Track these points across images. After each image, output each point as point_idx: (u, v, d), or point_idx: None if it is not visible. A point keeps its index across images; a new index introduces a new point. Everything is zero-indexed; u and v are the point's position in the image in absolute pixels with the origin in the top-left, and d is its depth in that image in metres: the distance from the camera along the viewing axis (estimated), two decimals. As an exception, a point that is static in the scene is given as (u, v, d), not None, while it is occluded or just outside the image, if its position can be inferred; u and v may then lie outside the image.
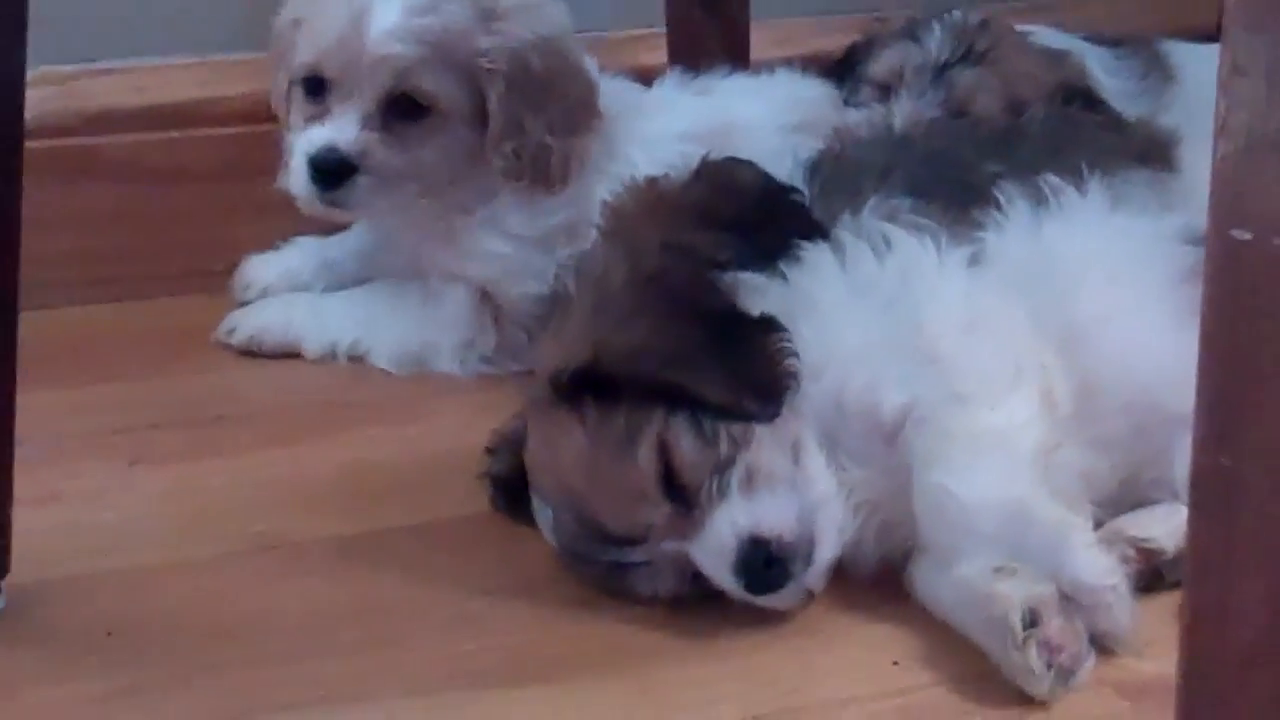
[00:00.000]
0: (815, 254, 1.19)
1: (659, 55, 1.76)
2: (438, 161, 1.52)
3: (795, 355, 1.12)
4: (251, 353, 1.59)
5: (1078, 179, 1.23)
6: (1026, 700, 1.02)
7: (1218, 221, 0.71)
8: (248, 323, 1.60)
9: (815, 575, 1.11)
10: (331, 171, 1.48)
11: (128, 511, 1.29)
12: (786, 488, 1.10)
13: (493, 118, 1.50)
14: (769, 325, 1.13)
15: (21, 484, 1.12)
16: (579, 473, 1.11)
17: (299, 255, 1.68)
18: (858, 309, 1.15)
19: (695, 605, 1.11)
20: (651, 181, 1.27)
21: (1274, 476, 0.71)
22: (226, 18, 1.77)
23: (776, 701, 1.04)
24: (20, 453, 1.10)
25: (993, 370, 1.11)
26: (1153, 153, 1.36)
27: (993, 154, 1.31)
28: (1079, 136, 1.39)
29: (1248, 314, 0.71)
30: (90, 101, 1.72)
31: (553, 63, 1.52)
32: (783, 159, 1.33)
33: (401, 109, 1.49)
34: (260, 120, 1.66)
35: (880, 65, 1.71)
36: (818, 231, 1.21)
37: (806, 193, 1.26)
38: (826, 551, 1.11)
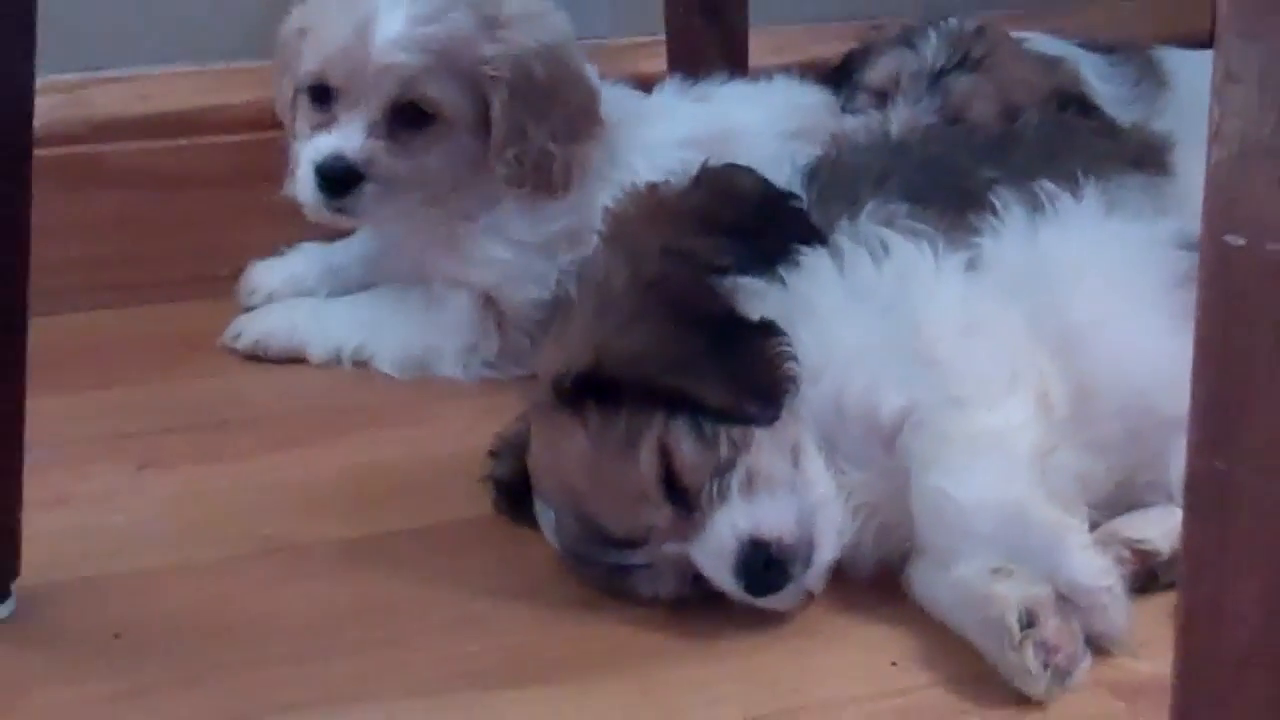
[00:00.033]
0: (814, 259, 1.19)
1: (659, 62, 1.76)
2: (442, 169, 1.52)
3: (794, 359, 1.12)
4: (257, 357, 1.59)
5: (1073, 184, 1.23)
6: (1023, 700, 1.02)
7: (1211, 227, 0.71)
8: (253, 328, 1.60)
9: (814, 577, 1.11)
10: (338, 179, 1.48)
11: (136, 515, 1.29)
12: (786, 490, 1.10)
13: (496, 125, 1.50)
14: (768, 329, 1.13)
15: (31, 487, 1.12)
16: (581, 475, 1.11)
17: (304, 261, 1.68)
18: (856, 313, 1.16)
19: (696, 606, 1.11)
20: (652, 187, 1.27)
21: (1268, 479, 0.70)
22: (230, 27, 1.77)
23: (776, 702, 1.04)
24: (30, 457, 1.10)
25: (990, 374, 1.11)
26: (1147, 157, 1.36)
27: (988, 159, 1.31)
28: (1074, 142, 1.39)
29: (1241, 319, 0.71)
30: (96, 109, 1.72)
31: (555, 71, 1.52)
32: (781, 165, 1.33)
33: (407, 117, 1.49)
34: (265, 127, 1.67)
35: (877, 72, 1.71)
36: (816, 237, 1.21)
37: (805, 198, 1.26)
38: (826, 553, 1.11)
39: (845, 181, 1.28)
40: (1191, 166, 1.31)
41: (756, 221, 1.22)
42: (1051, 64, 1.72)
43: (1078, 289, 1.16)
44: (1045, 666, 1.01)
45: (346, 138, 1.48)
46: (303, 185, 1.50)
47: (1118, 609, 1.05)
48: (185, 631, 1.12)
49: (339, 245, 1.69)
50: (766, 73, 1.72)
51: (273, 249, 1.69)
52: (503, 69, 1.49)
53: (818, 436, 1.13)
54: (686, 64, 1.70)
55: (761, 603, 1.10)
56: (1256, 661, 0.72)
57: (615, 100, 1.60)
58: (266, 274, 1.68)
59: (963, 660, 1.06)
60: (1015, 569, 1.05)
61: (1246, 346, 0.71)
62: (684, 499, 1.09)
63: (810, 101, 1.69)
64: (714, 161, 1.29)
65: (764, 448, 1.10)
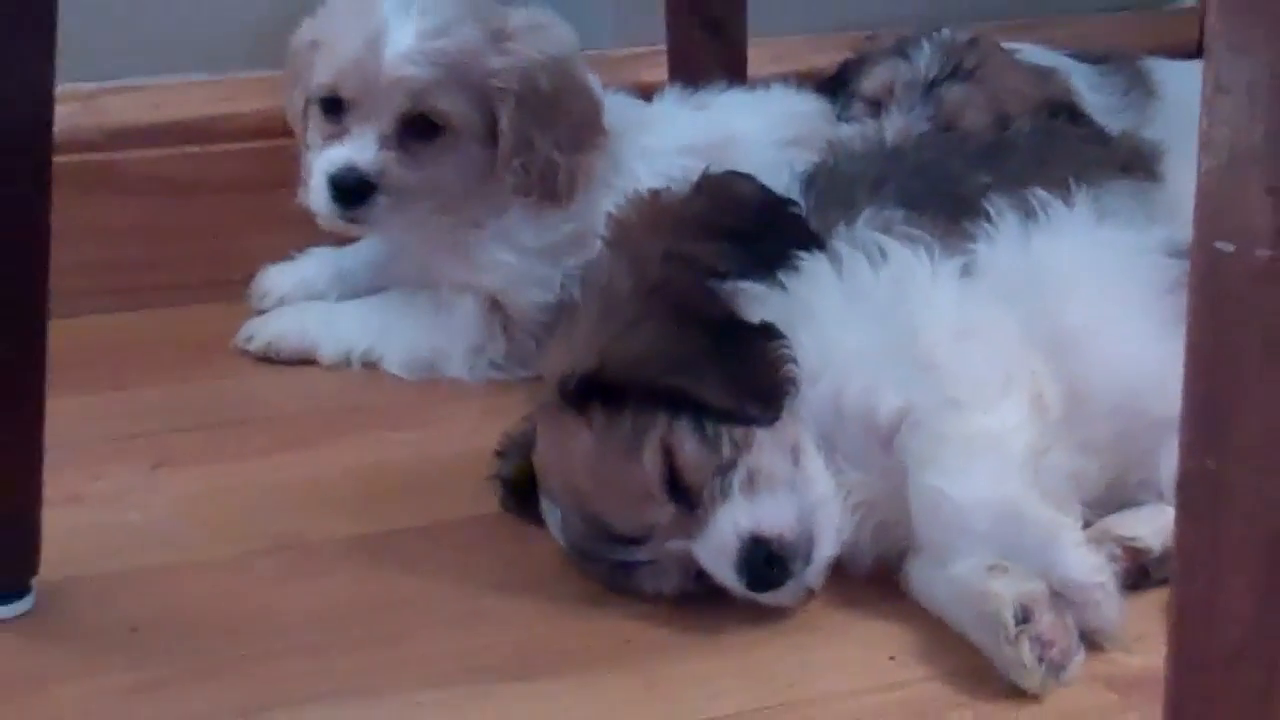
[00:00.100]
0: (812, 264, 1.19)
1: (660, 72, 1.76)
2: (452, 179, 1.52)
3: (794, 361, 1.12)
4: (269, 359, 1.59)
5: (1065, 192, 1.23)
6: (1018, 693, 1.02)
7: (1201, 233, 0.71)
8: (265, 330, 1.60)
9: (814, 573, 1.11)
10: (352, 190, 1.48)
11: (151, 513, 1.29)
12: (786, 489, 1.10)
13: (503, 136, 1.50)
14: (768, 332, 1.13)
15: (49, 486, 1.12)
16: (586, 474, 1.11)
17: (314, 265, 1.68)
18: (854, 316, 1.16)
19: (698, 602, 1.12)
20: (654, 194, 1.27)
21: (1258, 477, 0.71)
22: (241, 38, 1.77)
23: (777, 695, 1.04)
24: (47, 456, 1.10)
25: (985, 376, 1.11)
26: (1136, 164, 1.36)
27: (981, 166, 1.31)
28: (1064, 149, 1.39)
29: (1231, 322, 0.71)
30: (111, 118, 1.72)
31: (560, 82, 1.52)
32: (779, 172, 1.33)
33: (417, 129, 1.49)
34: (275, 135, 1.66)
35: (872, 81, 1.71)
36: (815, 242, 1.21)
37: (803, 205, 1.26)
38: (825, 550, 1.11)
39: (842, 188, 1.28)
40: (1180, 174, 1.31)
41: (756, 227, 1.22)
42: (1043, 74, 1.72)
43: (1070, 294, 1.16)
44: (1040, 660, 1.01)
45: (359, 149, 1.48)
46: (316, 195, 1.50)
47: (1110, 604, 1.05)
48: (199, 626, 1.12)
49: (349, 250, 1.69)
50: (765, 82, 1.71)
51: (284, 254, 1.69)
52: (510, 81, 1.49)
53: (817, 436, 1.13)
54: (687, 73, 1.70)
55: (762, 598, 1.10)
56: (1247, 656, 0.72)
57: (617, 109, 1.60)
58: (278, 278, 1.68)
59: (959, 654, 1.06)
60: (1010, 566, 1.05)
61: (1236, 349, 0.71)
62: (687, 497, 1.10)
63: (807, 110, 1.69)
64: (714, 169, 1.29)
65: (765, 447, 1.10)
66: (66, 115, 1.56)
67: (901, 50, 1.71)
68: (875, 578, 1.14)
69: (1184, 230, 0.74)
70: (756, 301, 1.17)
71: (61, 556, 1.15)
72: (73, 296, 1.52)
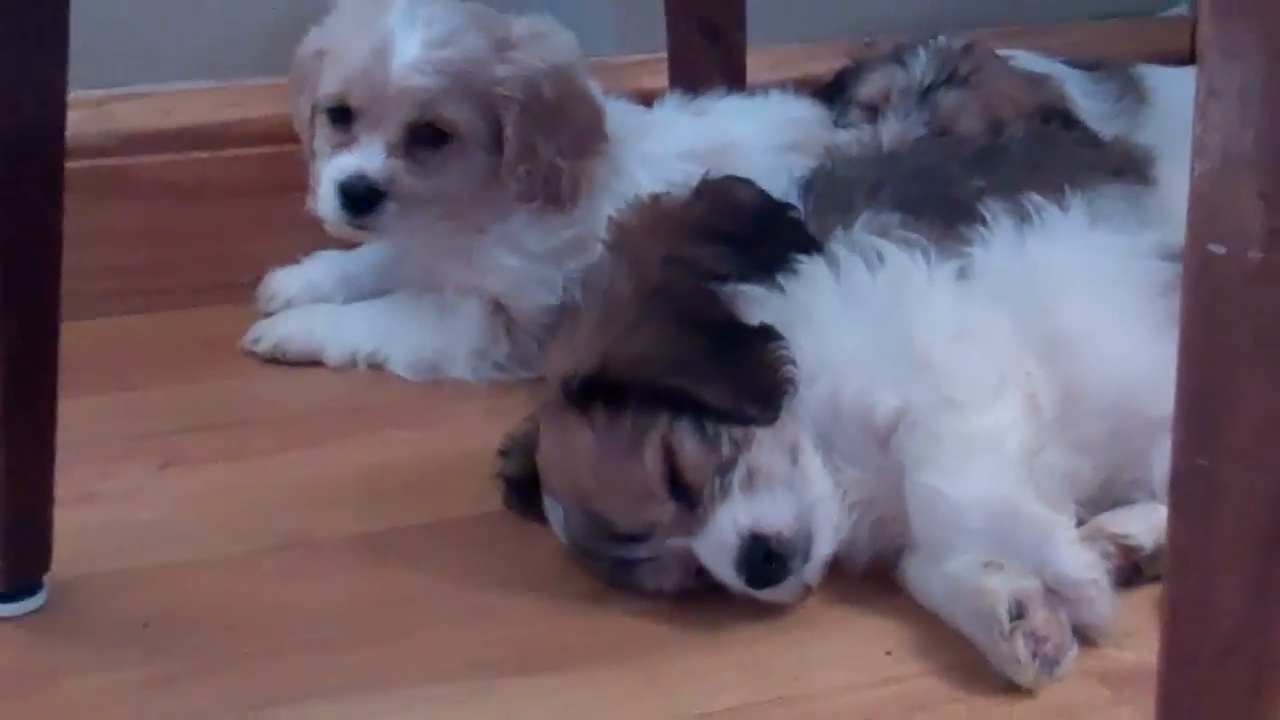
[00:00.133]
0: (811, 267, 1.19)
1: (660, 79, 1.76)
2: (458, 185, 1.52)
3: (792, 362, 1.12)
4: (276, 360, 1.59)
5: (1059, 196, 1.23)
6: (1013, 688, 1.02)
7: (1194, 236, 0.71)
8: (272, 332, 1.60)
9: (812, 570, 1.11)
10: (361, 198, 1.48)
11: (159, 511, 1.29)
12: (785, 487, 1.10)
13: (508, 143, 1.50)
14: (767, 334, 1.13)
15: (61, 485, 1.12)
16: (588, 473, 1.11)
17: (321, 268, 1.68)
18: (852, 319, 1.16)
19: (698, 599, 1.12)
20: (654, 199, 1.27)
21: (1249, 476, 0.71)
22: (249, 45, 1.77)
23: (775, 690, 1.04)
24: (58, 456, 1.11)
25: (980, 377, 1.11)
26: (1128, 168, 1.36)
27: (976, 171, 1.31)
28: (1057, 153, 1.39)
29: (1223, 322, 0.71)
30: (122, 124, 1.72)
31: (563, 90, 1.52)
32: (777, 177, 1.33)
33: (424, 137, 1.49)
34: (282, 141, 1.66)
35: (868, 88, 1.71)
36: (813, 246, 1.21)
37: (801, 209, 1.26)
38: (823, 548, 1.11)
39: (840, 192, 1.28)
40: (1172, 178, 1.32)
41: (755, 231, 1.22)
42: (1037, 80, 1.72)
43: (1064, 297, 1.16)
44: (1034, 656, 1.01)
45: (368, 157, 1.48)
46: (325, 202, 1.50)
47: (1104, 601, 1.05)
48: (209, 622, 1.12)
49: (355, 254, 1.69)
50: (763, 88, 1.72)
51: (291, 257, 1.69)
52: (514, 89, 1.49)
53: (815, 436, 1.13)
54: (687, 80, 1.70)
55: (761, 595, 1.10)
56: (1238, 652, 0.72)
57: (618, 115, 1.60)
58: (285, 281, 1.68)
59: (955, 650, 1.06)
60: (1005, 563, 1.05)
61: (1228, 349, 0.71)
62: (687, 496, 1.10)
63: (805, 116, 1.69)
64: (714, 174, 1.29)
65: (764, 447, 1.10)
66: (77, 121, 1.55)
67: (898, 57, 1.71)
68: (872, 575, 1.14)
69: (1176, 234, 0.74)
70: (756, 304, 1.17)
71: (72, 554, 1.15)
72: (84, 299, 1.52)
